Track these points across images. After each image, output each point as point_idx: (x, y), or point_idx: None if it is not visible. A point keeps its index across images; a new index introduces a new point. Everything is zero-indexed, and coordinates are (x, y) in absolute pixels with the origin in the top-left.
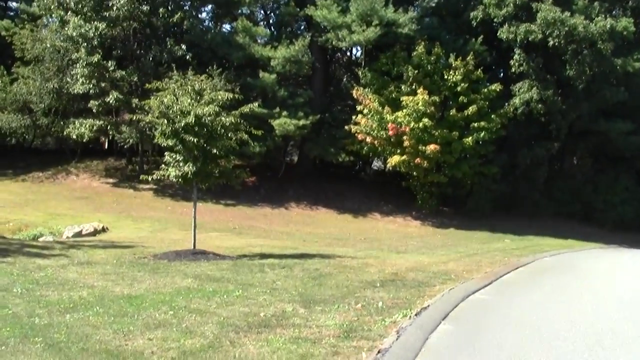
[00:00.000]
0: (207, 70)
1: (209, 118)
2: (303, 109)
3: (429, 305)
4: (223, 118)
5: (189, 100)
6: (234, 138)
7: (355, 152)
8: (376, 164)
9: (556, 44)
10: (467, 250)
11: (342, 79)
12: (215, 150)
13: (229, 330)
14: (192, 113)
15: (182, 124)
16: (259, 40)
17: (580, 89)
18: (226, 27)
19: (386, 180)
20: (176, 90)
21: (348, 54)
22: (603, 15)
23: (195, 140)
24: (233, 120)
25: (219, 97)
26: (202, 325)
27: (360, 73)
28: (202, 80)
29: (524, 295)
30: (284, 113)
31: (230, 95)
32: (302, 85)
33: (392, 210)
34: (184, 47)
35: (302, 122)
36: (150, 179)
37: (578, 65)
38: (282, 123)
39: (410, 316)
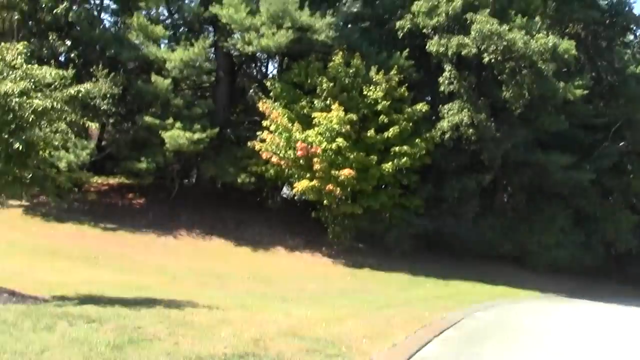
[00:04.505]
0: (92, 70)
1: (16, 99)
2: (201, 121)
3: None
4: (37, 101)
5: None
6: (50, 129)
7: (260, 174)
8: (286, 191)
9: (492, 60)
10: (379, 299)
11: (250, 90)
12: (19, 145)
13: None
14: None
15: None
16: (158, 42)
17: (517, 114)
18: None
19: (296, 210)
20: None
21: (259, 65)
22: (544, 33)
23: None
24: (49, 105)
25: (36, 72)
26: None
27: (269, 84)
28: (17, 49)
29: None
30: (178, 124)
31: (54, 72)
32: (204, 96)
33: (299, 244)
34: (68, 43)
35: (197, 136)
36: None
37: (516, 87)
38: (175, 135)
39: None
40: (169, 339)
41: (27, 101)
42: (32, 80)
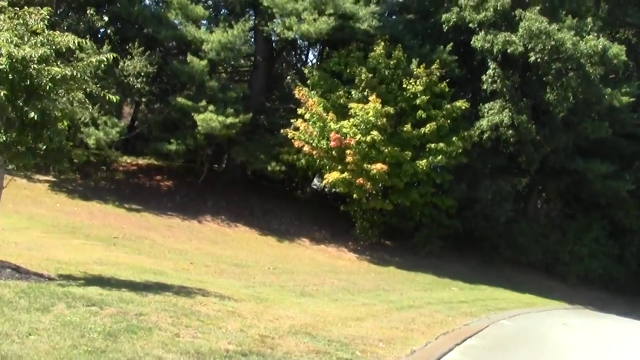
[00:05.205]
0: (128, 47)
1: (34, 66)
2: (235, 105)
3: None
4: (55, 68)
5: (8, 37)
6: (67, 99)
7: (291, 163)
8: (317, 182)
9: (538, 60)
10: (402, 299)
11: (287, 77)
12: (34, 115)
13: None
14: (4, 53)
15: None
16: (197, 23)
17: (560, 118)
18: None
19: (325, 203)
20: (1, 22)
21: (299, 53)
22: (595, 35)
23: (5, 95)
24: (69, 73)
25: (58, 39)
26: None
27: (306, 71)
28: (40, 14)
29: None
30: (211, 107)
31: (77, 39)
32: (240, 80)
33: (325, 237)
34: (105, 18)
35: (230, 120)
36: None
37: (560, 89)
38: (207, 118)
39: None
40: (170, 329)
41: (46, 68)
42: (53, 47)
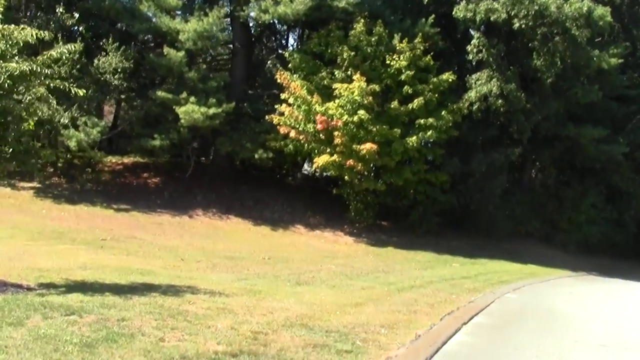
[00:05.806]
0: (102, 44)
1: None
2: (216, 95)
3: None
4: (12, 64)
5: None
6: (29, 96)
7: (279, 149)
8: (307, 167)
9: (523, 26)
10: (402, 279)
11: (268, 62)
12: None
13: None
14: None
15: None
16: (171, 13)
17: (548, 84)
18: None
19: (317, 187)
20: None
21: (278, 37)
22: None
23: None
24: (29, 69)
25: (16, 34)
26: None
27: (287, 55)
28: None
29: None
30: (192, 99)
31: (35, 32)
32: (221, 69)
33: (320, 222)
34: (76, 15)
35: (212, 111)
36: None
37: (547, 54)
38: (189, 111)
39: None
40: (154, 333)
41: (3, 65)
42: (10, 41)
